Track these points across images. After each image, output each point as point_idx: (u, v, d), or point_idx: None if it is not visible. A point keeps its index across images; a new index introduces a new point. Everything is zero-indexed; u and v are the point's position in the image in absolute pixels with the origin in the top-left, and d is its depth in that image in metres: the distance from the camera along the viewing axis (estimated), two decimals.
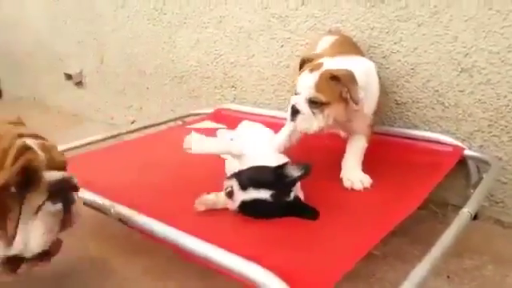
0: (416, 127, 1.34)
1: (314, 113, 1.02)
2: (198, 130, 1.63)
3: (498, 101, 1.21)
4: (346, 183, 1.09)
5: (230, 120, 1.65)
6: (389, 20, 1.35)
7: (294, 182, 0.94)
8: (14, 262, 0.77)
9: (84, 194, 1.07)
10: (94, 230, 1.37)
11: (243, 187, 0.93)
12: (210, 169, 1.18)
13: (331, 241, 0.85)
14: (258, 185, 0.92)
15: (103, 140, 1.61)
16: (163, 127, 1.81)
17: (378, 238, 0.84)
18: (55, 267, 1.16)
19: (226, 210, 0.98)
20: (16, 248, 0.73)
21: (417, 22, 1.30)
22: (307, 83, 1.03)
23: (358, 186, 1.08)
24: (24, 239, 0.73)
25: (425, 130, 1.33)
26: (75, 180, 0.81)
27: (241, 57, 1.80)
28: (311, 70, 1.04)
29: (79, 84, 2.77)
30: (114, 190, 1.06)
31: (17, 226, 0.73)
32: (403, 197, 1.01)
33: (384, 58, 1.38)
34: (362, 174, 1.11)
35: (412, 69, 1.34)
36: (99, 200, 1.01)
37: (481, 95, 1.23)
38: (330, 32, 1.39)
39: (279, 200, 0.93)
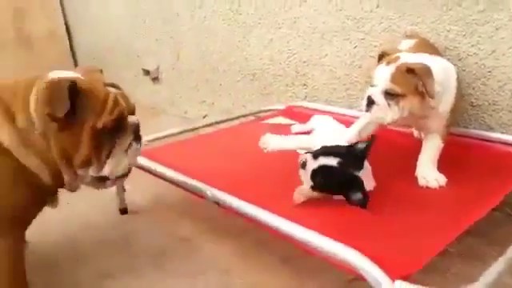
0: (492, 129, 1.37)
1: (389, 104, 1.07)
2: (271, 125, 1.75)
3: None
4: (421, 181, 1.13)
5: (302, 117, 1.73)
6: (466, 23, 1.38)
7: (361, 152, 1.02)
8: (101, 180, 1.00)
9: (179, 177, 1.22)
10: (185, 213, 1.52)
11: (315, 156, 1.01)
12: (288, 160, 1.27)
13: (411, 233, 0.93)
14: (328, 153, 1.00)
15: (180, 133, 1.74)
16: (235, 122, 1.93)
17: (454, 235, 0.90)
18: (151, 248, 1.33)
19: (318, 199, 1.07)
20: (105, 172, 0.97)
21: (495, 26, 1.32)
22: (384, 75, 1.07)
23: (433, 185, 1.11)
24: (112, 167, 0.97)
25: (501, 132, 1.35)
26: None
27: (313, 56, 1.89)
28: (388, 63, 1.09)
29: (156, 79, 2.98)
30: (204, 176, 1.19)
31: (108, 157, 0.96)
32: (479, 197, 1.04)
33: (460, 60, 1.41)
34: (437, 172, 1.14)
35: (489, 72, 1.36)
36: (196, 183, 1.15)
37: None
38: (407, 36, 1.43)
39: (345, 169, 0.99)
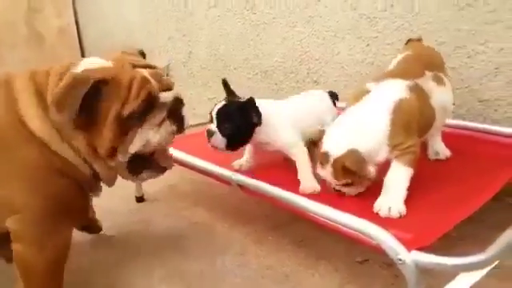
0: (498, 123, 1.42)
1: (348, 190, 1.06)
2: None
3: None
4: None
5: None
6: (476, 23, 1.44)
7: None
8: (137, 170, 1.00)
9: (201, 163, 1.28)
10: (198, 200, 1.58)
11: None
12: None
13: (424, 211, 0.98)
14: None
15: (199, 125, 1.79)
16: None
17: (462, 216, 0.95)
18: (169, 232, 1.38)
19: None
20: (132, 150, 0.94)
21: (504, 25, 1.38)
22: (328, 177, 1.05)
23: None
24: (139, 144, 0.95)
25: (506, 126, 1.40)
26: (182, 96, 1.02)
27: (326, 54, 1.95)
28: (322, 164, 1.04)
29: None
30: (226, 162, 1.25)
31: (134, 136, 0.93)
32: (483, 185, 1.09)
33: (469, 57, 1.47)
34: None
35: (496, 68, 1.42)
36: (219, 170, 1.21)
37: None
38: (406, 47, 1.38)
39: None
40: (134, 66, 0.98)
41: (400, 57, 1.28)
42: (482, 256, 0.76)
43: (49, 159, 0.89)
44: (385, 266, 1.09)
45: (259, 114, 1.14)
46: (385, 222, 0.87)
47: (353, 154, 0.99)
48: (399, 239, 0.81)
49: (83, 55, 3.94)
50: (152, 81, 0.97)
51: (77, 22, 3.85)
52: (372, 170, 1.02)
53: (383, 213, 0.97)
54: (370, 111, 1.04)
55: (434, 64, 1.23)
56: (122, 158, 0.95)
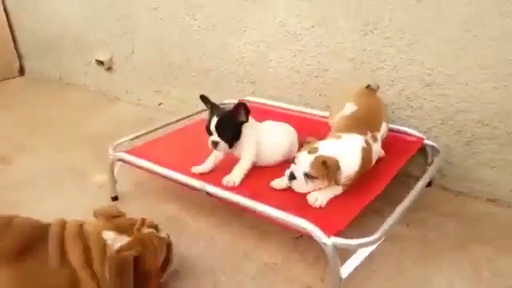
0: (393, 122, 1.89)
1: (306, 181, 1.41)
2: None
3: (448, 107, 1.77)
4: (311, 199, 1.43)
5: (252, 110, 2.16)
6: (376, 45, 1.87)
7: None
8: None
9: (171, 174, 1.61)
10: (165, 197, 1.90)
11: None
12: None
13: (337, 202, 1.42)
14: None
15: (152, 131, 2.06)
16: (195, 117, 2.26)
17: (369, 199, 1.41)
18: None
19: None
20: None
21: (396, 49, 1.82)
22: (305, 161, 1.39)
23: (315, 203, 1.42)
24: None
25: (399, 125, 1.88)
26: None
27: (260, 60, 2.31)
28: (309, 152, 1.40)
29: (109, 69, 3.21)
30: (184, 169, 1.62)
31: None
32: (384, 170, 1.58)
33: (372, 71, 1.91)
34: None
35: (392, 81, 1.88)
36: (194, 182, 1.56)
37: (437, 102, 1.79)
38: (360, 94, 1.70)
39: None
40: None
41: (353, 108, 1.63)
42: (374, 236, 1.22)
43: None
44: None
45: (247, 113, 1.57)
46: (312, 216, 1.30)
47: (335, 160, 1.36)
48: (322, 228, 1.23)
49: (16, 44, 3.91)
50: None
51: (6, 11, 3.78)
52: (338, 178, 1.37)
53: (310, 201, 1.40)
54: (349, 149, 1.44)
55: (373, 125, 1.61)
56: None
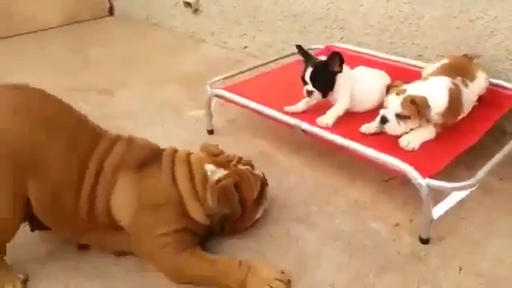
0: (490, 75, 1.85)
1: (398, 122, 1.47)
2: None
3: None
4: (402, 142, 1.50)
5: None
6: None
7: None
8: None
9: (270, 111, 1.73)
10: (258, 133, 2.03)
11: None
12: None
13: (431, 147, 1.47)
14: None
15: (245, 71, 2.18)
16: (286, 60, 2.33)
17: (463, 148, 1.45)
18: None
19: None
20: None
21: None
22: (395, 102, 1.47)
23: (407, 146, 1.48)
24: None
25: (495, 77, 1.83)
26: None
27: (351, 5, 2.30)
28: (397, 94, 1.48)
29: (196, 11, 3.33)
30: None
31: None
32: (478, 123, 1.60)
33: (470, 21, 1.86)
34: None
35: (491, 31, 1.83)
36: (289, 119, 1.67)
37: None
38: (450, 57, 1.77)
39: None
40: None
41: (444, 61, 1.72)
42: (468, 182, 1.28)
43: None
44: (405, 183, 1.60)
45: (341, 63, 1.64)
46: (406, 157, 1.37)
47: (423, 98, 1.44)
48: (417, 169, 1.31)
49: None
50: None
51: None
52: (428, 115, 1.45)
53: (402, 144, 1.47)
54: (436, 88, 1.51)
55: (464, 73, 1.64)
56: None
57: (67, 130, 1.27)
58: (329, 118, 1.67)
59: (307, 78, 1.66)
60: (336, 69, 1.65)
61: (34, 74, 2.78)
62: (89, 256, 1.38)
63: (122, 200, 1.28)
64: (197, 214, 1.31)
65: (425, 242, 1.34)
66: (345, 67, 1.69)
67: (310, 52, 1.74)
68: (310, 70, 1.65)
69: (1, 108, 1.20)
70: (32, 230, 1.37)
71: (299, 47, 1.74)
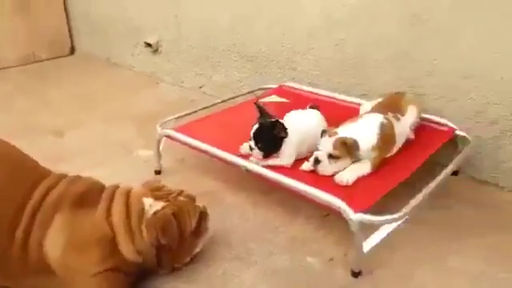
0: (427, 112, 1.92)
1: (329, 162, 1.53)
2: (267, 104, 2.25)
3: (480, 100, 1.81)
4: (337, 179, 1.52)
5: (291, 95, 2.28)
6: (420, 37, 1.93)
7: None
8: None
9: (215, 151, 1.74)
10: (204, 173, 2.03)
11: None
12: None
13: (365, 182, 1.51)
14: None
15: (195, 112, 2.17)
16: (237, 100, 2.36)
17: (396, 182, 1.49)
18: None
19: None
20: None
21: (440, 42, 1.87)
22: (328, 143, 1.53)
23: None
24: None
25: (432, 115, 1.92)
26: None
27: (302, 48, 2.40)
28: (329, 136, 1.55)
29: (156, 51, 3.38)
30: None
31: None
32: (413, 157, 1.66)
33: (411, 62, 1.97)
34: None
35: (429, 72, 1.94)
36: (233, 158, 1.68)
37: (472, 95, 1.84)
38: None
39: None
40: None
41: (377, 100, 1.86)
42: (397, 214, 1.31)
43: None
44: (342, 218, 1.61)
45: (285, 130, 1.60)
46: (340, 193, 1.39)
47: (353, 140, 1.51)
48: (349, 204, 1.33)
49: (69, 24, 4.14)
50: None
51: None
52: (358, 155, 1.52)
53: (337, 179, 1.50)
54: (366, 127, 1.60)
55: (395, 108, 1.76)
56: None
57: (6, 168, 1.27)
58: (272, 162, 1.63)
59: (251, 133, 1.61)
60: (281, 134, 1.60)
61: None
62: None
63: (53, 240, 1.24)
64: (128, 251, 1.28)
65: (356, 275, 1.35)
66: (292, 127, 1.64)
67: (265, 109, 1.69)
68: (255, 127, 1.61)
69: None
70: None
71: (256, 103, 1.72)
